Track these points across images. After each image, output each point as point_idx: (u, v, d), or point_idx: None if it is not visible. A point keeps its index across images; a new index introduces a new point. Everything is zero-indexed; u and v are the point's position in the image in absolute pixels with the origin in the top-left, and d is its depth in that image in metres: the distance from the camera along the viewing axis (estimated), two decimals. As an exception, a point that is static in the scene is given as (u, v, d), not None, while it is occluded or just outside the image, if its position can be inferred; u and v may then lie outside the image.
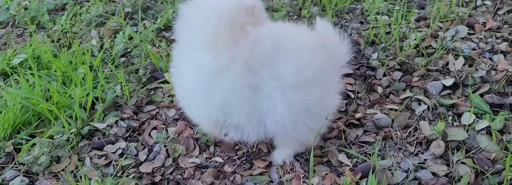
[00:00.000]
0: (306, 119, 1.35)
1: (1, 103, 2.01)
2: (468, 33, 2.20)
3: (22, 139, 1.85)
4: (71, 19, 2.97)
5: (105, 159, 1.74)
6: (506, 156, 1.44)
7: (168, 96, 2.06)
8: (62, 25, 2.92)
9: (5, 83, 2.26)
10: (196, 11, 1.30)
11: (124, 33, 2.50)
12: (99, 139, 1.85)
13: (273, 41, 1.25)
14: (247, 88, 1.26)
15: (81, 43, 2.62)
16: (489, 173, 1.44)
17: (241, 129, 1.39)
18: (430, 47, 2.15)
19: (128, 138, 1.85)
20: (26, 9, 3.17)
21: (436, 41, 2.16)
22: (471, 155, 1.55)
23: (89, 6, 3.07)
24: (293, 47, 1.27)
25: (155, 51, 2.39)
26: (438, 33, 2.24)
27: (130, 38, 2.56)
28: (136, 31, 2.64)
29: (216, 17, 1.25)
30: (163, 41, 2.49)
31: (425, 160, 1.56)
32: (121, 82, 2.11)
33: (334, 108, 1.47)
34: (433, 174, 1.50)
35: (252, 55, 1.22)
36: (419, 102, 1.82)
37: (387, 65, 2.05)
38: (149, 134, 1.85)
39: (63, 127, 1.84)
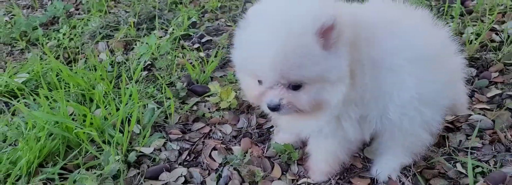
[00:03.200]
0: (426, 107, 1.16)
1: (13, 132, 1.66)
2: (526, 25, 2.05)
3: (53, 174, 1.51)
4: (69, 32, 2.63)
5: (167, 190, 1.43)
6: None
7: (216, 110, 1.78)
8: (59, 40, 2.58)
9: (9, 108, 1.90)
10: None
11: (148, 43, 2.19)
12: (148, 166, 1.54)
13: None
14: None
15: (86, 58, 2.29)
16: None
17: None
18: (493, 41, 1.98)
19: (185, 163, 1.55)
20: (12, 25, 2.80)
21: (496, 34, 2.00)
22: None
23: (86, 19, 2.75)
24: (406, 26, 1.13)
25: (182, 62, 2.10)
26: (493, 26, 2.08)
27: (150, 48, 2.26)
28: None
29: None
30: (189, 51, 2.21)
31: (553, 163, 1.36)
32: (161, 98, 1.81)
33: (450, 101, 1.27)
34: None
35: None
36: (513, 98, 1.63)
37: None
38: (210, 156, 1.56)
39: (100, 154, 1.52)
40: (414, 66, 1.10)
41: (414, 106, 1.15)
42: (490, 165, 1.37)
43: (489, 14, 2.17)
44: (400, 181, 1.36)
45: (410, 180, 1.36)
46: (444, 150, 1.46)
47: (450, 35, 1.25)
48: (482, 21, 2.14)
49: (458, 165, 1.39)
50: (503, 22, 2.10)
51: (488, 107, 1.61)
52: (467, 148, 1.46)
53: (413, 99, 1.13)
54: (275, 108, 1.05)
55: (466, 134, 1.52)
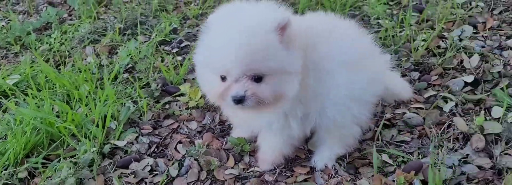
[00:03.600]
0: (354, 104, 1.38)
1: (3, 126, 1.87)
2: (473, 33, 2.26)
3: (36, 163, 1.72)
4: (59, 37, 2.85)
5: (134, 177, 1.64)
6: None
7: (186, 109, 1.99)
8: (50, 45, 2.80)
9: (1, 106, 2.12)
10: None
11: (128, 48, 2.41)
12: (121, 157, 1.75)
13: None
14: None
15: (76, 61, 2.51)
16: (537, 162, 1.46)
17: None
18: (440, 47, 2.19)
19: (153, 154, 1.77)
20: (8, 30, 3.02)
21: (443, 41, 2.21)
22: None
23: (77, 25, 2.97)
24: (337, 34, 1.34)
25: (161, 65, 2.31)
26: (443, 33, 2.29)
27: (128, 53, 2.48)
28: (136, 47, 2.56)
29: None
30: (167, 55, 2.42)
31: (468, 154, 1.56)
32: (132, 98, 2.02)
33: (377, 97, 1.48)
34: (479, 167, 1.50)
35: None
36: (445, 99, 1.84)
37: (402, 66, 2.07)
38: (175, 148, 1.77)
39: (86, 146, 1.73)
40: (344, 69, 1.32)
41: (345, 103, 1.37)
42: (413, 156, 1.58)
43: (439, 23, 2.38)
44: (334, 169, 1.57)
45: (344, 168, 1.57)
46: (378, 143, 1.67)
47: (373, 40, 1.47)
48: (433, 28, 2.35)
49: (385, 155, 1.59)
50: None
51: (423, 106, 1.82)
52: (398, 141, 1.67)
53: (344, 96, 1.36)
54: (240, 100, 1.18)
55: (399, 130, 1.73)
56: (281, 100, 1.25)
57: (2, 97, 2.10)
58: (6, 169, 1.71)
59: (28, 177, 1.68)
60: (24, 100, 2.08)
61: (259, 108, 1.24)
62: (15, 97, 2.14)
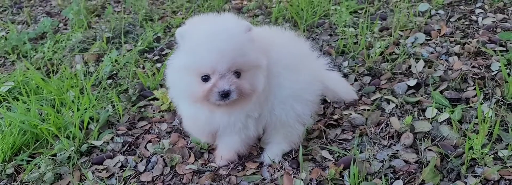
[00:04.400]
0: (297, 103, 1.59)
1: (-5, 129, 2.11)
2: (426, 39, 2.46)
3: (22, 160, 1.95)
4: (53, 46, 3.09)
5: (106, 172, 1.86)
6: (465, 142, 1.66)
7: (159, 112, 2.21)
8: (44, 53, 3.04)
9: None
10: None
11: (110, 56, 2.63)
12: (97, 155, 1.97)
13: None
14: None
15: (65, 69, 2.74)
16: (453, 156, 1.65)
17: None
18: (394, 54, 2.39)
19: (126, 152, 1.98)
20: (6, 39, 3.27)
21: (398, 48, 2.41)
22: (436, 143, 1.75)
23: (69, 34, 3.21)
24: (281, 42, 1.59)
25: (140, 71, 2.54)
26: (399, 40, 2.49)
27: (115, 60, 2.70)
28: (119, 55, 2.78)
29: None
30: (147, 62, 2.64)
31: (397, 150, 1.75)
32: (113, 102, 2.24)
33: (317, 96, 1.68)
34: (405, 161, 1.70)
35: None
36: (388, 101, 2.04)
37: (357, 72, 2.27)
38: (145, 147, 1.99)
39: (63, 146, 1.95)
40: (286, 71, 1.55)
41: (289, 102, 1.59)
42: (350, 152, 1.77)
43: (400, 30, 2.58)
44: (281, 164, 1.77)
45: (289, 163, 1.77)
46: (322, 141, 1.87)
47: (310, 46, 1.69)
48: (390, 36, 2.55)
49: (325, 151, 1.79)
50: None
51: (369, 108, 2.01)
52: (341, 139, 1.87)
53: (288, 96, 1.58)
54: (227, 93, 1.36)
55: (343, 129, 1.93)
56: (255, 93, 1.46)
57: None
58: (-4, 166, 1.94)
59: (15, 173, 1.91)
60: (17, 104, 2.31)
61: (236, 102, 1.43)
62: (8, 102, 2.38)
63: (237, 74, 1.39)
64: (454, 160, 1.64)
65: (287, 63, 1.55)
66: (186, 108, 1.65)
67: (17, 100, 2.32)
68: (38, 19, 3.78)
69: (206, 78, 1.39)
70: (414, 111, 1.95)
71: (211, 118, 1.58)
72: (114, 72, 2.64)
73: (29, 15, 3.79)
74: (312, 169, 1.72)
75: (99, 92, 2.40)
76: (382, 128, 1.89)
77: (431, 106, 1.90)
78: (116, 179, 1.82)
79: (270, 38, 1.58)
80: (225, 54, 1.33)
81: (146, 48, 2.85)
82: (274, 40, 1.58)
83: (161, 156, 1.89)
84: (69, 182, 1.82)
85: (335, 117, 2.00)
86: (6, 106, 2.32)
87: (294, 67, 1.56)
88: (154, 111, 2.24)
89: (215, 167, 1.81)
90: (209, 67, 1.37)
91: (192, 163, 1.85)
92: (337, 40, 2.62)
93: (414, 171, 1.65)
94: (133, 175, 1.84)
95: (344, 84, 1.91)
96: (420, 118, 1.90)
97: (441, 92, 2.02)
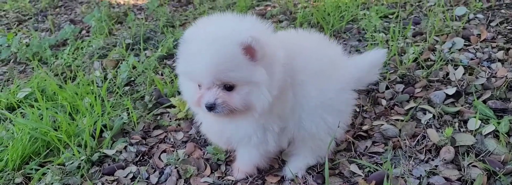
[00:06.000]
0: (328, 114, 1.44)
1: (8, 136, 2.02)
2: (465, 45, 2.26)
3: (31, 169, 1.85)
4: (73, 53, 3.03)
5: (117, 183, 1.73)
6: (516, 157, 1.46)
7: (175, 120, 2.08)
8: (64, 59, 2.98)
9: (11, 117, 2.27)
10: None
11: (128, 62, 2.54)
12: (109, 165, 1.85)
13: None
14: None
15: (84, 75, 2.67)
16: (502, 173, 1.44)
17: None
18: (429, 60, 2.20)
19: (138, 162, 1.86)
20: (27, 46, 3.24)
21: (434, 54, 2.22)
22: (482, 158, 1.55)
23: (90, 40, 3.15)
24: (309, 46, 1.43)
25: (158, 78, 2.43)
26: (435, 46, 2.30)
27: (134, 67, 2.61)
28: (138, 61, 2.69)
29: None
30: (165, 68, 2.54)
31: (436, 166, 1.56)
32: (128, 109, 2.13)
33: (350, 106, 1.54)
34: (446, 179, 1.50)
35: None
36: (424, 111, 1.85)
37: (389, 79, 2.09)
38: (159, 157, 1.86)
39: (73, 154, 1.84)
40: (313, 79, 1.39)
41: (318, 113, 1.43)
42: (382, 167, 1.59)
43: (435, 35, 2.39)
44: (305, 178, 1.61)
45: (313, 178, 1.60)
46: (350, 154, 1.70)
47: (341, 51, 1.52)
48: (425, 41, 2.36)
49: (354, 166, 1.61)
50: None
51: (402, 118, 1.83)
52: (371, 152, 1.69)
53: (317, 107, 1.41)
54: (211, 107, 1.25)
55: (374, 141, 1.75)
56: (251, 109, 1.30)
57: (15, 108, 2.25)
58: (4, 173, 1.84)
59: (23, 182, 1.80)
60: (32, 111, 2.23)
61: (231, 115, 1.30)
62: (22, 109, 2.30)
63: (229, 87, 1.25)
64: (503, 178, 1.43)
65: (315, 70, 1.39)
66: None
67: (32, 106, 2.24)
68: (62, 27, 3.75)
69: (200, 85, 1.29)
70: (454, 122, 1.75)
71: (221, 125, 1.48)
72: (132, 78, 2.54)
73: (53, 23, 3.77)
74: (339, 185, 1.55)
75: (116, 99, 2.30)
76: (418, 140, 1.70)
77: (474, 117, 1.70)
78: (126, 191, 1.69)
79: (297, 42, 1.43)
80: (209, 68, 1.21)
81: (166, 54, 2.75)
82: (301, 45, 1.43)
83: (175, 167, 1.75)
84: (77, 193, 1.70)
85: (364, 127, 1.83)
86: (21, 112, 2.24)
87: (322, 74, 1.40)
88: (170, 119, 2.12)
89: (232, 181, 1.66)
90: (195, 78, 1.28)
91: (208, 176, 1.70)
92: (366, 46, 2.46)
93: (456, 190, 1.46)
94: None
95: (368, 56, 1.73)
96: (462, 130, 1.70)
97: (484, 102, 1.82)
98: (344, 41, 2.56)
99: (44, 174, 1.79)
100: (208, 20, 1.34)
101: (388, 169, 1.52)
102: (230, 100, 1.25)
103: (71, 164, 1.77)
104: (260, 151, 1.54)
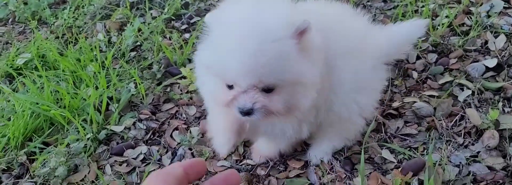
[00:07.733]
0: (361, 95, 1.26)
1: (9, 109, 1.88)
2: (504, 7, 2.02)
3: (35, 147, 1.73)
4: (74, 12, 2.82)
5: (126, 165, 1.62)
6: None
7: (186, 92, 1.93)
8: (65, 20, 2.77)
9: (11, 87, 2.13)
10: None
11: (133, 25, 2.34)
12: (117, 143, 1.73)
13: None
14: None
15: (86, 38, 2.48)
16: (556, 165, 1.30)
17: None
18: (464, 25, 1.98)
19: (149, 141, 1.73)
20: (25, 4, 3.01)
21: (469, 18, 2.00)
22: (530, 145, 1.41)
23: (91, -2, 2.91)
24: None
25: (167, 43, 2.24)
26: (470, 8, 2.07)
27: (139, 30, 2.41)
28: (144, 22, 2.49)
29: None
30: (174, 33, 2.34)
31: (478, 152, 1.42)
32: (135, 80, 1.97)
33: (383, 82, 1.37)
34: (489, 168, 1.36)
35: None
36: (462, 86, 1.67)
37: (420, 48, 1.89)
38: (171, 136, 1.72)
39: (78, 132, 1.71)
40: (345, 62, 1.18)
41: (351, 96, 1.25)
42: (417, 152, 1.45)
43: (470, -5, 2.15)
44: (331, 164, 1.48)
45: (340, 163, 1.47)
46: (380, 136, 1.55)
47: (369, 22, 1.32)
48: (459, 3, 2.12)
49: (386, 151, 1.48)
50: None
51: (437, 94, 1.66)
52: (403, 134, 1.54)
53: (350, 90, 1.23)
54: (248, 113, 1.03)
55: (406, 121, 1.60)
56: (294, 111, 1.11)
57: (15, 76, 2.09)
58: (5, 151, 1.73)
59: (28, 162, 1.69)
60: (34, 80, 2.08)
61: (268, 119, 1.09)
62: (24, 77, 2.14)
63: (268, 89, 1.03)
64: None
65: (346, 50, 1.17)
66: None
67: (32, 74, 2.08)
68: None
69: (231, 86, 1.05)
70: (496, 100, 1.58)
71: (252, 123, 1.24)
72: (138, 43, 2.35)
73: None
74: (370, 173, 1.41)
75: (121, 66, 2.13)
76: (456, 121, 1.54)
77: (520, 95, 1.53)
78: (137, 174, 1.58)
79: (324, 19, 1.16)
80: (253, 69, 0.96)
81: (173, 17, 2.53)
82: (329, 22, 1.18)
83: (190, 149, 1.63)
84: (85, 176, 1.59)
85: (394, 104, 1.66)
86: (22, 81, 2.09)
87: (353, 54, 1.19)
88: (181, 91, 1.96)
89: (252, 165, 1.53)
90: (229, 78, 1.03)
91: (225, 159, 1.58)
92: (393, 8, 2.22)
93: (501, 181, 1.32)
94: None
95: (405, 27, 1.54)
96: (506, 110, 1.53)
97: (529, 76, 1.64)
98: (368, 2, 2.32)
99: (49, 152, 1.68)
100: (239, 3, 1.06)
101: (428, 159, 1.37)
102: (271, 104, 1.04)
103: (76, 144, 1.64)
104: (292, 140, 1.37)
